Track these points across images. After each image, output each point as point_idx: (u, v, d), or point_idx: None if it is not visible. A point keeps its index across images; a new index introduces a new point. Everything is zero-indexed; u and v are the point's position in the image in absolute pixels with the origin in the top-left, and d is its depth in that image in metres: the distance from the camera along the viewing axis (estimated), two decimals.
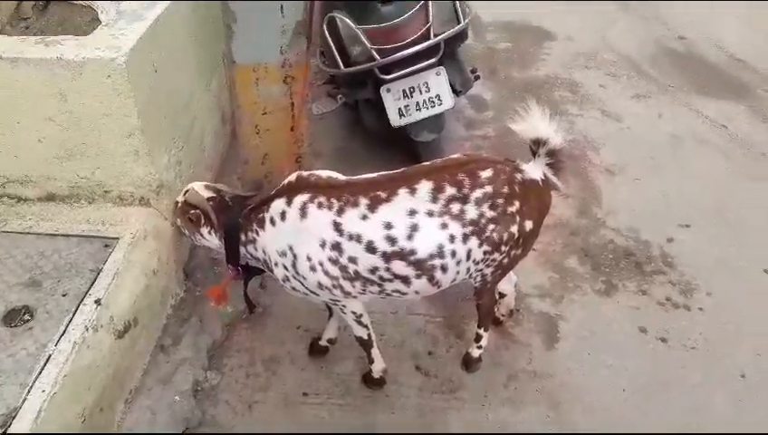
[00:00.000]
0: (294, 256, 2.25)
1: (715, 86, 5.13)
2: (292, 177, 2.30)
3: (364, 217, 2.15)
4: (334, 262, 2.21)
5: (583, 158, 4.30)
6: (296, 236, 2.22)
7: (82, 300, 2.43)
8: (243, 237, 2.38)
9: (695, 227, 3.71)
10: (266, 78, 2.87)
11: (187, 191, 2.51)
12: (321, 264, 2.22)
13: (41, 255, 2.64)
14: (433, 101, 3.72)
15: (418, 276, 2.19)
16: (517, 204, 2.22)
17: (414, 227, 2.13)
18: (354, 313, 2.50)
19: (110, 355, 2.42)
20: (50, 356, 2.21)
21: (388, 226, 2.13)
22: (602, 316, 3.15)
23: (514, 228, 2.24)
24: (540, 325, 3.10)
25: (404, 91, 3.69)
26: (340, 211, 2.16)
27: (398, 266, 2.17)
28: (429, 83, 3.72)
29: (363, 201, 2.16)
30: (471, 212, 2.16)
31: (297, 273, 2.28)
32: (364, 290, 2.29)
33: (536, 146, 2.27)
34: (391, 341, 3.00)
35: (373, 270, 2.19)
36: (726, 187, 4.02)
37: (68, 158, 2.80)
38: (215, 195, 2.46)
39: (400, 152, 4.17)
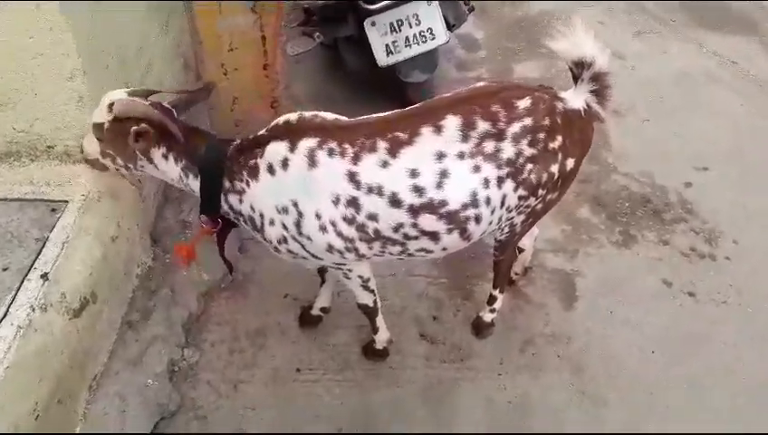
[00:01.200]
0: (300, 213, 1.86)
1: (720, 20, 4.78)
2: (292, 117, 1.91)
3: (385, 165, 1.77)
4: (350, 221, 1.84)
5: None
6: (303, 189, 1.84)
7: (27, 275, 2.02)
8: (227, 185, 1.94)
9: (713, 169, 3.41)
10: (232, 7, 2.42)
11: (111, 105, 1.90)
12: (333, 223, 1.85)
13: None
14: (424, 36, 3.30)
15: (450, 231, 1.85)
16: (560, 138, 1.88)
17: (444, 174, 1.78)
18: (361, 277, 2.16)
19: (65, 338, 2.03)
20: None
21: (414, 173, 1.78)
22: (622, 270, 2.85)
23: (555, 168, 1.90)
24: (555, 283, 2.79)
25: (391, 24, 3.26)
26: (356, 158, 1.78)
27: (428, 221, 1.82)
28: (420, 15, 3.29)
29: (382, 145, 1.78)
30: (508, 150, 1.81)
31: (300, 233, 1.89)
32: (383, 252, 1.95)
33: (579, 69, 1.90)
34: (392, 306, 2.66)
35: (397, 227, 1.84)
36: (743, 126, 3.72)
37: None
38: (149, 102, 1.92)
39: (387, 96, 3.76)
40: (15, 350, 1.82)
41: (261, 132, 1.93)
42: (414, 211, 1.80)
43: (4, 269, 2.05)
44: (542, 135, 1.84)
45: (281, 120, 1.93)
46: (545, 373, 2.45)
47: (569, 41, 1.86)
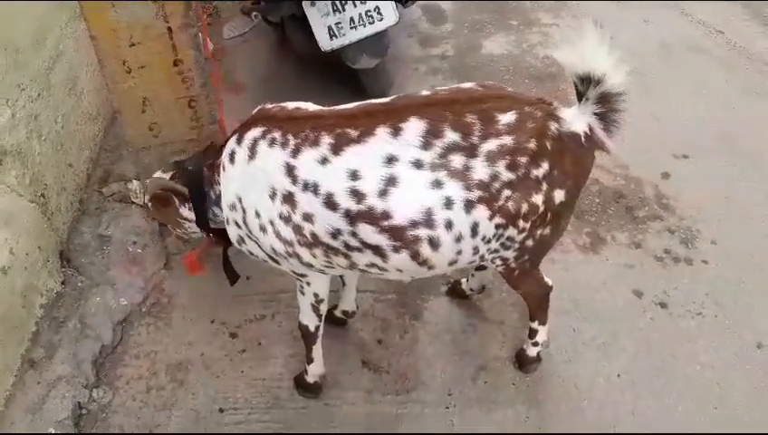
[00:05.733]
0: (243, 209, 1.73)
1: None
2: (255, 110, 1.78)
3: (324, 161, 1.58)
4: (286, 220, 1.64)
5: (559, 76, 3.60)
6: (244, 182, 1.71)
7: None
8: (212, 195, 1.90)
9: (694, 157, 3.10)
10: None
11: (146, 186, 2.06)
12: (271, 222, 1.67)
13: None
14: (371, 16, 2.94)
15: (396, 249, 1.60)
16: (545, 166, 1.59)
17: (391, 181, 1.53)
18: (316, 295, 1.96)
19: None
20: None
21: (354, 175, 1.55)
22: (589, 279, 2.58)
23: (538, 199, 1.61)
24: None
25: (333, 3, 2.89)
26: (296, 151, 1.61)
27: (367, 232, 1.58)
28: None
29: (326, 139, 1.59)
30: (480, 171, 1.54)
31: (250, 232, 1.74)
32: (329, 262, 1.71)
33: (585, 85, 1.59)
34: (331, 329, 2.38)
35: (335, 234, 1.61)
36: (728, 106, 3.39)
37: None
38: (176, 170, 1.97)
39: (341, 82, 3.42)
40: None
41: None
42: (351, 218, 1.57)
43: None
44: (523, 159, 1.55)
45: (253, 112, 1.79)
46: (498, 406, 2.19)
47: (577, 51, 1.53)
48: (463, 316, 2.46)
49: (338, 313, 2.37)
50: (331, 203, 1.57)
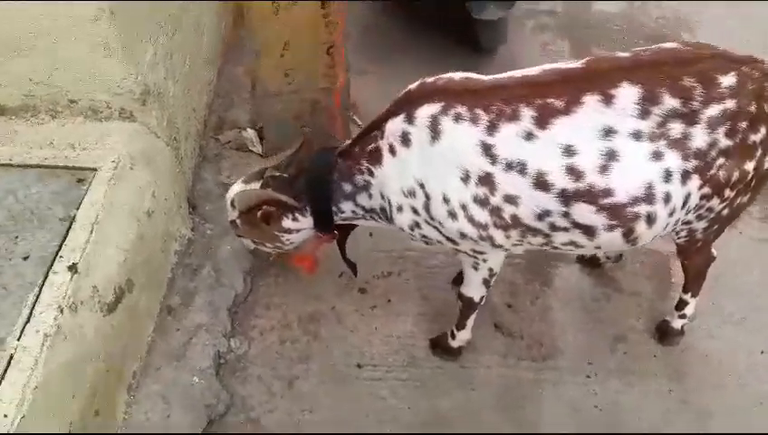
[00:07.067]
0: (426, 195, 1.58)
1: None
2: (413, 85, 1.63)
3: (529, 136, 1.44)
4: (483, 203, 1.52)
5: (671, 37, 3.42)
6: (427, 166, 1.56)
7: (51, 266, 1.72)
8: (350, 187, 1.74)
9: None
10: None
11: (232, 203, 1.91)
12: (463, 206, 1.54)
13: None
14: None
15: (610, 228, 1.49)
16: (763, 130, 1.48)
17: (610, 155, 1.42)
18: (491, 269, 1.87)
19: (99, 340, 1.76)
20: (11, 358, 1.53)
21: (570, 150, 1.43)
22: (726, 252, 2.47)
23: (750, 165, 1.51)
24: (649, 268, 2.43)
25: None
26: (492, 127, 1.47)
27: (583, 212, 1.47)
28: None
29: (527, 112, 1.45)
30: (699, 139, 1.43)
31: (432, 217, 1.61)
32: (521, 241, 1.63)
33: None
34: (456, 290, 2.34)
35: (542, 215, 1.50)
36: None
37: (12, 54, 1.96)
38: (262, 180, 1.87)
39: (451, 37, 3.29)
40: (43, 364, 1.54)
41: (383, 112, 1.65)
42: (566, 198, 1.45)
43: (25, 258, 1.75)
44: (743, 124, 1.45)
45: (403, 92, 1.62)
46: (640, 378, 2.14)
47: None
48: (594, 286, 2.39)
49: None
50: (541, 183, 1.46)
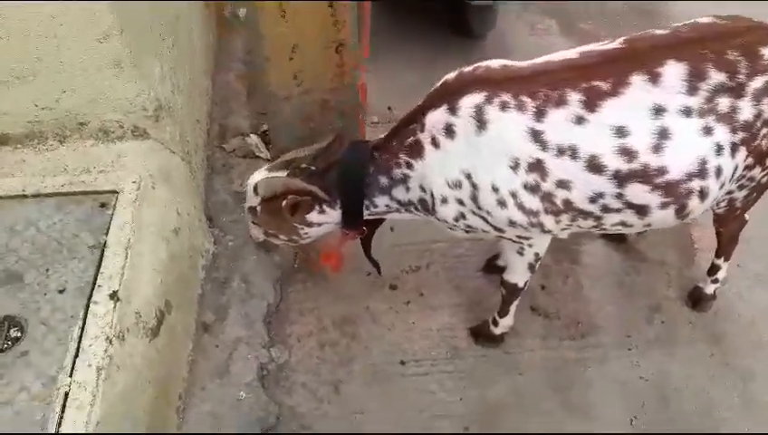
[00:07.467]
0: (474, 186, 1.56)
1: None
2: (450, 75, 1.61)
3: (580, 121, 1.44)
4: (533, 189, 1.52)
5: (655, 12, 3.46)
6: (474, 156, 1.54)
7: (91, 296, 1.65)
8: (386, 181, 1.72)
9: None
10: None
11: (255, 188, 1.86)
12: (513, 194, 1.53)
13: (8, 230, 1.81)
14: None
15: (664, 206, 1.50)
16: None
17: (663, 133, 1.42)
18: (537, 254, 1.86)
19: (147, 366, 1.70)
20: (66, 396, 1.47)
21: (621, 131, 1.43)
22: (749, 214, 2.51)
23: None
24: (672, 237, 2.46)
25: None
26: (540, 113, 1.46)
27: (637, 192, 1.48)
28: None
29: (574, 96, 1.45)
30: (746, 111, 1.44)
31: (479, 208, 1.59)
32: (570, 225, 1.63)
33: None
34: (487, 275, 2.33)
35: (595, 198, 1.50)
36: None
37: (16, 82, 1.88)
38: (291, 169, 1.82)
39: (442, 24, 3.28)
40: (101, 399, 1.48)
41: (419, 104, 1.64)
42: (620, 179, 1.46)
43: (61, 291, 1.68)
44: None
45: (439, 83, 1.61)
46: (680, 346, 2.17)
47: None
48: (621, 259, 2.42)
49: (501, 262, 2.30)
50: (595, 166, 1.46)
